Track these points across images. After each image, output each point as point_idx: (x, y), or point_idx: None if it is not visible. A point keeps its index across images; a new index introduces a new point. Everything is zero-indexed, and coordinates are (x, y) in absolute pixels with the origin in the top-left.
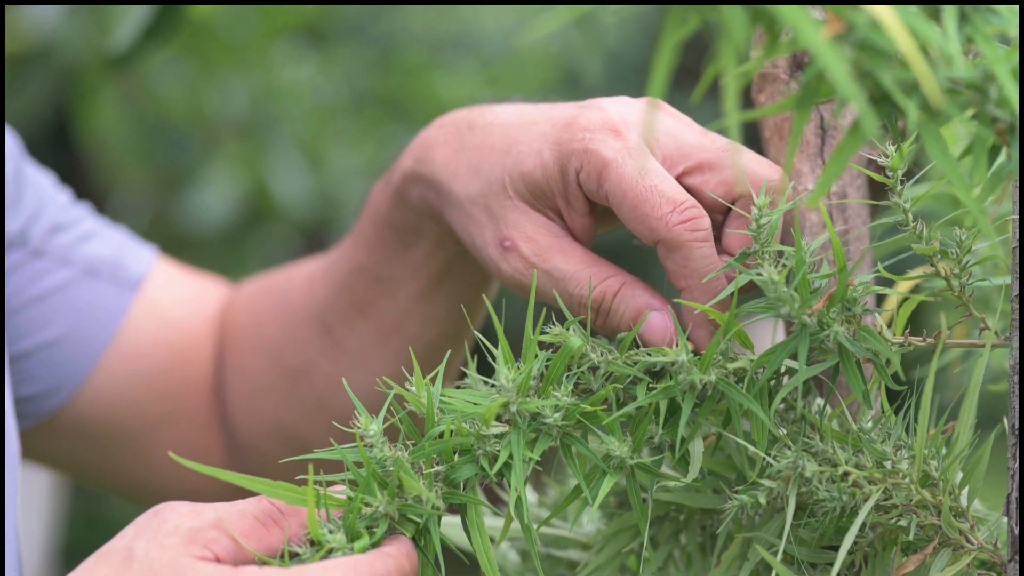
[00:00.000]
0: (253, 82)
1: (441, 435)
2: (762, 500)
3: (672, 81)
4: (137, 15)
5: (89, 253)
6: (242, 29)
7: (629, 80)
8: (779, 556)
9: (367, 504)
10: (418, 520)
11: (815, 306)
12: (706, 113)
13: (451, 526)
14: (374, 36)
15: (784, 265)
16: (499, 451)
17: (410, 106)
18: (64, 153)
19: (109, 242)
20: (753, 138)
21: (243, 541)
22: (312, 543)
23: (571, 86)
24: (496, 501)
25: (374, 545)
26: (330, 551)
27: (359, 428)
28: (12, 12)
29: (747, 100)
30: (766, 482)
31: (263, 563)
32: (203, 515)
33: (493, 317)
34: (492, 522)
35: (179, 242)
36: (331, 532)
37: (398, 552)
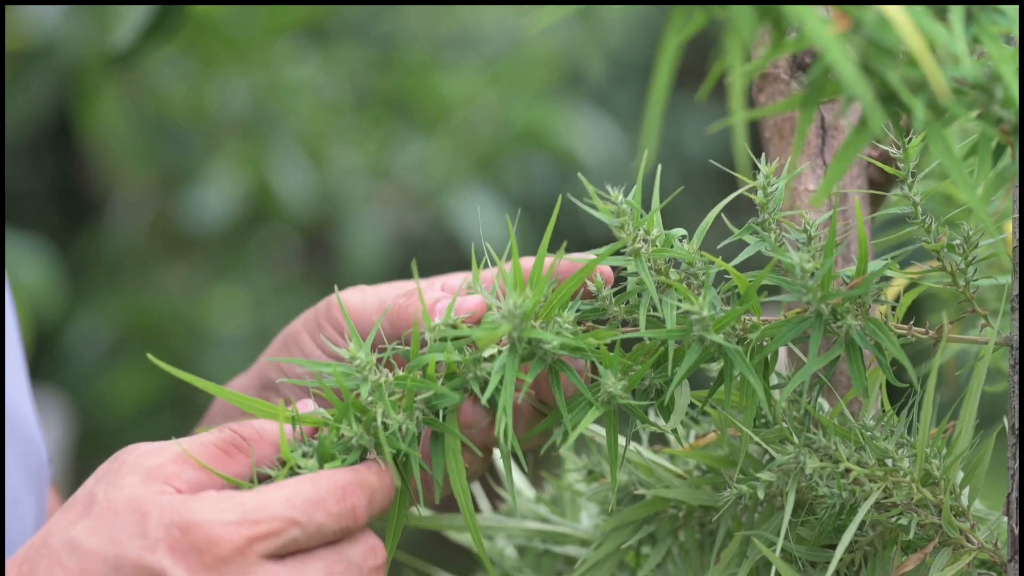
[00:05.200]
0: (255, 80)
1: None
2: (760, 494)
3: (673, 81)
4: (138, 13)
5: None
6: (244, 27)
7: (630, 79)
8: (778, 554)
9: (343, 432)
10: (394, 449)
11: (835, 300)
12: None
13: (451, 524)
14: (376, 35)
15: (785, 237)
16: (490, 374)
17: (412, 105)
18: (65, 152)
19: None
20: (753, 138)
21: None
22: (283, 464)
23: (573, 85)
24: (494, 498)
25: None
26: (295, 468)
27: (346, 352)
28: (12, 12)
29: (747, 100)
30: (765, 475)
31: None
32: (162, 453)
33: (511, 240)
34: (492, 521)
35: (180, 241)
36: (304, 456)
37: (365, 468)
